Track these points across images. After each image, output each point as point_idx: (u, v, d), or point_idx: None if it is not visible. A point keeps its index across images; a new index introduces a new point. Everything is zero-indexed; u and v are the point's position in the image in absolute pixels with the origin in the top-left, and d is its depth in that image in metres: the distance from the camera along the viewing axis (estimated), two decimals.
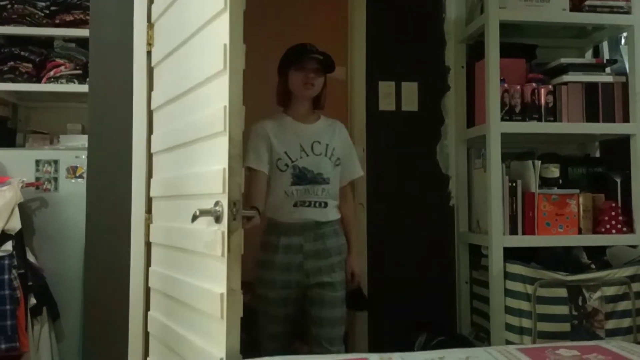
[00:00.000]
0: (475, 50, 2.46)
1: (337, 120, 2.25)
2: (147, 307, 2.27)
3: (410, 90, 2.52)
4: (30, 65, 2.85)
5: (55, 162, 2.59)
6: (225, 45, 1.56)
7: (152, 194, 2.28)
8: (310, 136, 2.13)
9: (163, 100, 2.17)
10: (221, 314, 1.54)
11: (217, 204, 1.56)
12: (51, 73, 2.85)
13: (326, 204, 2.10)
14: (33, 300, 2.35)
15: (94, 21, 2.41)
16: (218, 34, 1.64)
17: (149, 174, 2.32)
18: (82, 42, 2.83)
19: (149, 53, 2.37)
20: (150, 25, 2.37)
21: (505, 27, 2.23)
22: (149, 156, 2.33)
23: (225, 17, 1.58)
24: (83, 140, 2.67)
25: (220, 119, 1.57)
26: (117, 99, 2.37)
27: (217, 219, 1.56)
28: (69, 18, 2.88)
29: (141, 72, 2.36)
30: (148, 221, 2.30)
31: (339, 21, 2.50)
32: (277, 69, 2.21)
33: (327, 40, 2.44)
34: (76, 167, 2.60)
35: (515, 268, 2.09)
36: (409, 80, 2.53)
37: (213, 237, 1.60)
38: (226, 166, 1.54)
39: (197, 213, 1.58)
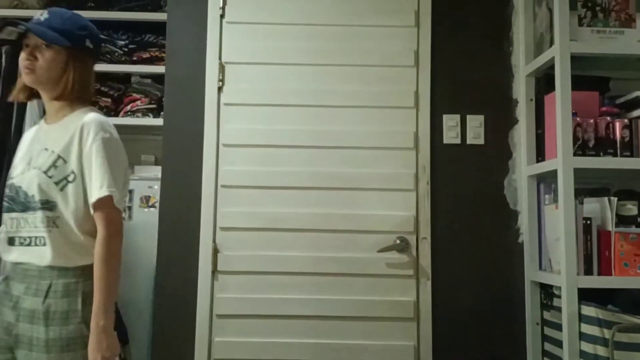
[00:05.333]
0: (544, 83, 2.40)
1: (94, 115, 1.54)
2: (211, 334, 2.33)
3: (476, 123, 2.49)
4: (109, 99, 3.02)
5: (130, 191, 2.71)
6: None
7: (233, 225, 2.39)
8: (43, 142, 1.54)
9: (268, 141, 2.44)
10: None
11: (402, 239, 2.32)
12: (128, 107, 3.01)
13: (43, 241, 1.45)
14: None
15: (169, 58, 2.54)
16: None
17: (215, 205, 2.41)
18: (157, 78, 2.98)
19: (219, 89, 2.48)
20: (221, 63, 2.48)
21: (576, 59, 2.17)
22: (216, 188, 2.42)
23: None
24: (156, 171, 2.79)
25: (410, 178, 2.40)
26: (189, 133, 2.47)
27: (402, 250, 2.34)
28: (146, 55, 3.05)
29: (212, 107, 2.47)
30: (215, 250, 2.37)
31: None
32: None
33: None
34: (149, 197, 2.72)
35: (591, 310, 1.99)
36: (474, 113, 2.50)
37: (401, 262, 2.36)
38: (414, 213, 2.38)
39: (393, 244, 2.35)
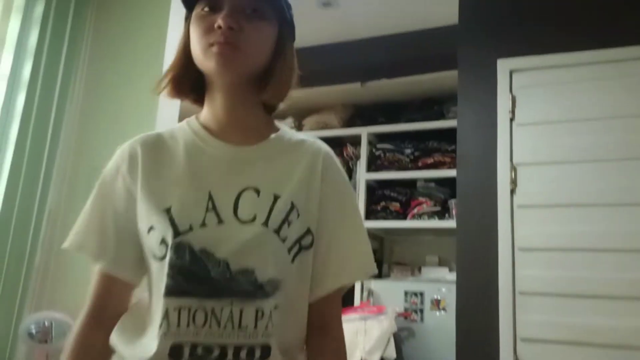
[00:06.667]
0: None
1: (316, 139, 0.99)
2: None
3: None
4: (397, 204, 3.23)
5: (421, 293, 2.78)
6: None
7: (535, 336, 2.23)
8: (238, 175, 0.90)
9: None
10: None
11: None
12: (414, 210, 3.16)
13: (266, 352, 0.83)
14: None
15: (460, 163, 2.61)
16: None
17: (514, 313, 2.29)
18: (441, 182, 3.10)
19: (512, 191, 2.43)
20: (513, 165, 2.45)
21: None
22: (514, 295, 2.31)
23: None
24: (442, 272, 2.83)
25: None
26: (482, 236, 2.45)
27: None
28: (430, 161, 3.21)
29: (505, 210, 2.42)
30: None
31: None
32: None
33: None
34: (439, 300, 2.74)
35: None
36: None
37: None
38: None
39: None
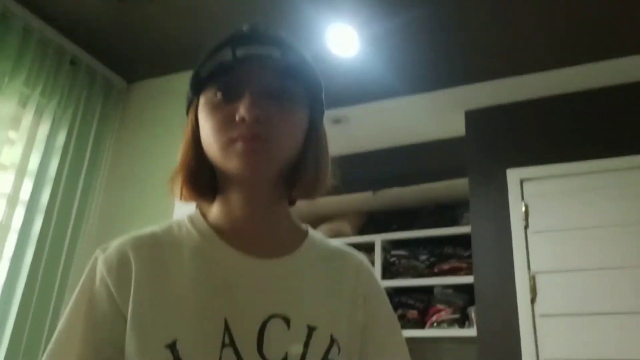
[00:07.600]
0: None
1: (352, 250, 0.85)
2: None
3: None
4: (415, 312, 3.13)
5: None
6: None
7: None
8: (262, 297, 0.71)
9: None
10: None
11: None
12: (433, 318, 3.06)
13: None
14: None
15: (477, 272, 2.57)
16: None
17: None
18: (459, 288, 3.02)
19: (532, 300, 2.37)
20: (531, 274, 2.40)
21: None
22: None
23: None
24: None
25: None
26: (505, 348, 2.36)
27: None
28: (446, 267, 3.14)
29: (527, 320, 2.35)
30: None
31: None
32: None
33: None
34: None
35: None
36: None
37: None
38: None
39: None
